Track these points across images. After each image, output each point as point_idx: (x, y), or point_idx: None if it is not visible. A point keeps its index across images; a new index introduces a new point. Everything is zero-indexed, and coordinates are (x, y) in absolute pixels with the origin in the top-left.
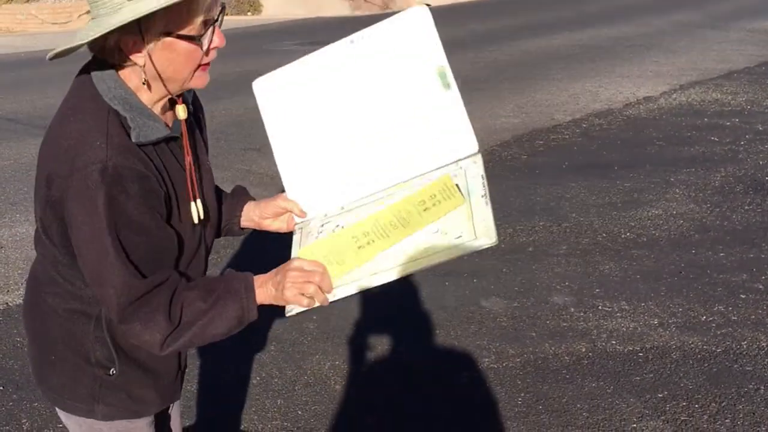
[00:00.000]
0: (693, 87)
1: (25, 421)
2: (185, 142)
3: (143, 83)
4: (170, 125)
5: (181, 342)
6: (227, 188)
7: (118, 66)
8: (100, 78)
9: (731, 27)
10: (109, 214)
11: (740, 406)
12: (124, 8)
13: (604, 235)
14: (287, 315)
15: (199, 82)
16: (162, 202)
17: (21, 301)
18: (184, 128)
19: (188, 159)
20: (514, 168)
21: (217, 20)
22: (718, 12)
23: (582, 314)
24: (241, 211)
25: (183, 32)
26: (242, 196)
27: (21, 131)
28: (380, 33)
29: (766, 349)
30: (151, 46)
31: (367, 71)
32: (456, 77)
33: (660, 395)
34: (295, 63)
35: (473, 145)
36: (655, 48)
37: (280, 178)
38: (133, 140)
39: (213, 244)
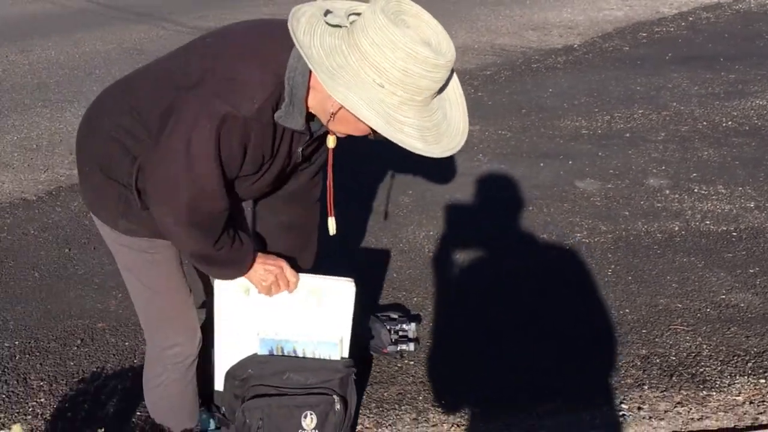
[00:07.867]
0: None
1: None
2: (329, 167)
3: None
4: (311, 128)
5: (210, 256)
6: None
7: None
8: (298, 58)
9: None
10: (214, 146)
11: None
12: (354, 85)
13: (705, 123)
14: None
15: (339, 132)
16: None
17: None
18: (330, 156)
19: (329, 182)
20: (614, 59)
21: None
22: None
23: (677, 196)
24: None
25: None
26: None
27: (121, 18)
28: (312, 284)
29: None
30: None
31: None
32: None
33: (751, 270)
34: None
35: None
36: None
37: None
38: (275, 118)
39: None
